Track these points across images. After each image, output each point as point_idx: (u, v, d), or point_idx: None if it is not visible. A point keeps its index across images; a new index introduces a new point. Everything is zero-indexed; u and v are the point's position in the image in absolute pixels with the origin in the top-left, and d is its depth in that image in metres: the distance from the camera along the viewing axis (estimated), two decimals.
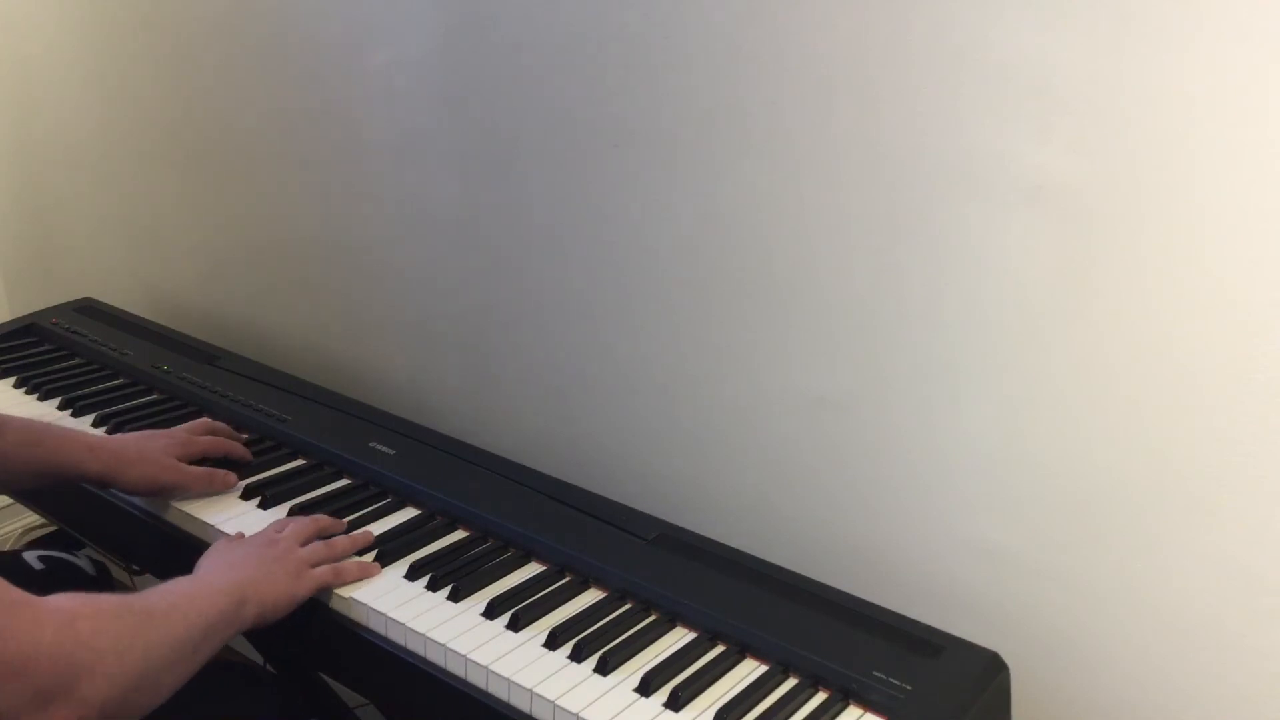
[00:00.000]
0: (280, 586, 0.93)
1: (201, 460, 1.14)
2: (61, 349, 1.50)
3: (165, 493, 1.10)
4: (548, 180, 1.23)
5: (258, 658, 1.26)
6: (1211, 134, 0.82)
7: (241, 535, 1.03)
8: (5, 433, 1.05)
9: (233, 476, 1.13)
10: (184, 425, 1.19)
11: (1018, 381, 0.96)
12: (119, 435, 1.16)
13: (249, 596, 0.90)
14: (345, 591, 0.97)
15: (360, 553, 1.03)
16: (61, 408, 1.32)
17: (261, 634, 1.29)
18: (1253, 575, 0.88)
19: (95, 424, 1.28)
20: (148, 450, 1.10)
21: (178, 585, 0.87)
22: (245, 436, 1.26)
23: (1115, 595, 0.95)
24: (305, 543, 1.00)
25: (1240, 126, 0.80)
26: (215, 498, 1.13)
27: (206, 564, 0.94)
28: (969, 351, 0.98)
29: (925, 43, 0.93)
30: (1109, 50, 0.84)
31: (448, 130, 1.30)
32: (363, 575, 0.99)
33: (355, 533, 1.06)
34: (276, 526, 1.03)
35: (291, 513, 1.10)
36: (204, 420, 1.21)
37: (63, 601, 0.74)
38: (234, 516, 1.09)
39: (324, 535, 1.03)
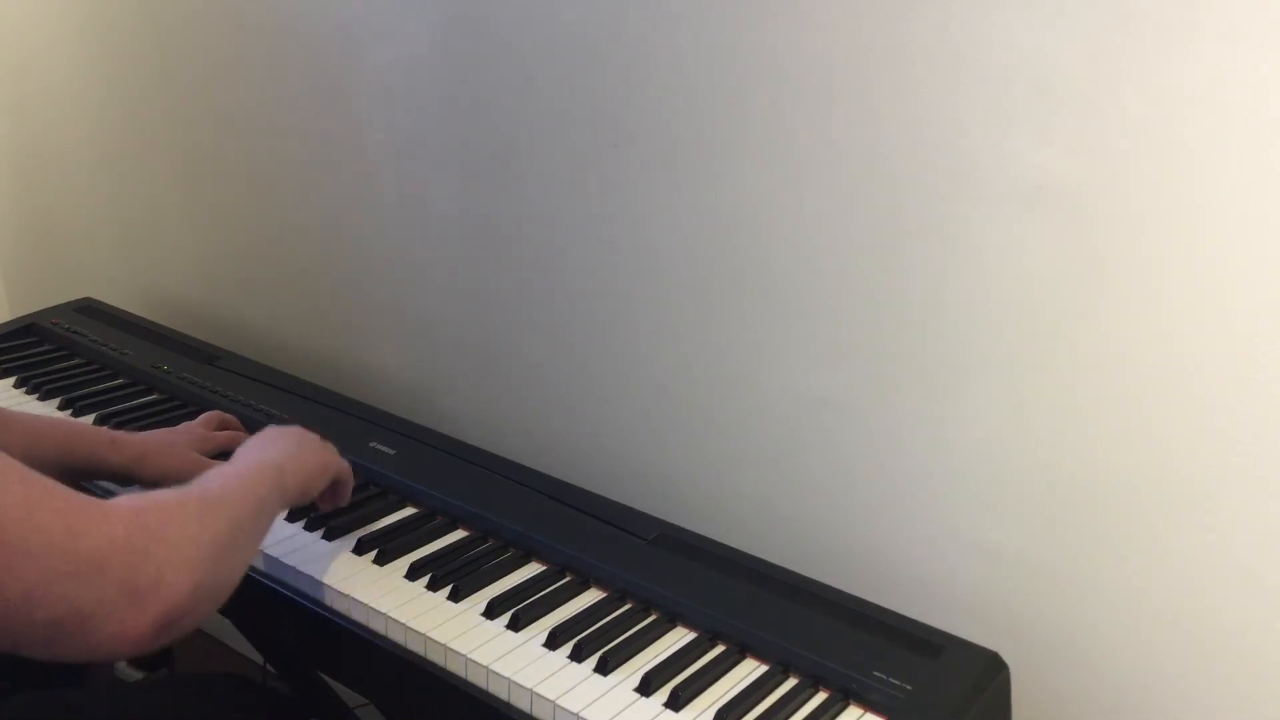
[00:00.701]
0: (315, 458, 0.98)
1: (220, 456, 1.14)
2: (61, 349, 1.50)
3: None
4: (548, 180, 1.23)
5: (258, 658, 1.26)
6: (1211, 134, 0.82)
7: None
8: (10, 429, 1.04)
9: None
10: (198, 420, 1.19)
11: (1018, 381, 0.96)
12: (142, 432, 1.15)
13: (288, 468, 0.92)
14: (345, 590, 0.97)
15: (361, 551, 1.03)
16: (61, 408, 1.32)
17: (262, 634, 1.29)
18: (1253, 575, 0.88)
19: (96, 424, 1.27)
20: (173, 444, 1.11)
21: (221, 471, 0.88)
22: (245, 437, 1.26)
23: (1115, 595, 0.95)
24: None
25: (1239, 126, 0.80)
26: None
27: (241, 451, 0.96)
28: (969, 351, 0.98)
29: (925, 43, 0.93)
30: (1109, 50, 0.84)
31: (448, 130, 1.30)
32: (347, 498, 1.06)
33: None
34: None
35: (291, 512, 1.10)
36: (216, 413, 1.21)
37: (124, 500, 0.74)
38: None
39: None
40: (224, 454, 1.14)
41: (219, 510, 0.79)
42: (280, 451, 0.95)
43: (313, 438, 1.02)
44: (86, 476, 1.09)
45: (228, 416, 1.22)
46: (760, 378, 1.12)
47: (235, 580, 0.80)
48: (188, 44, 1.58)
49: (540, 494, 1.12)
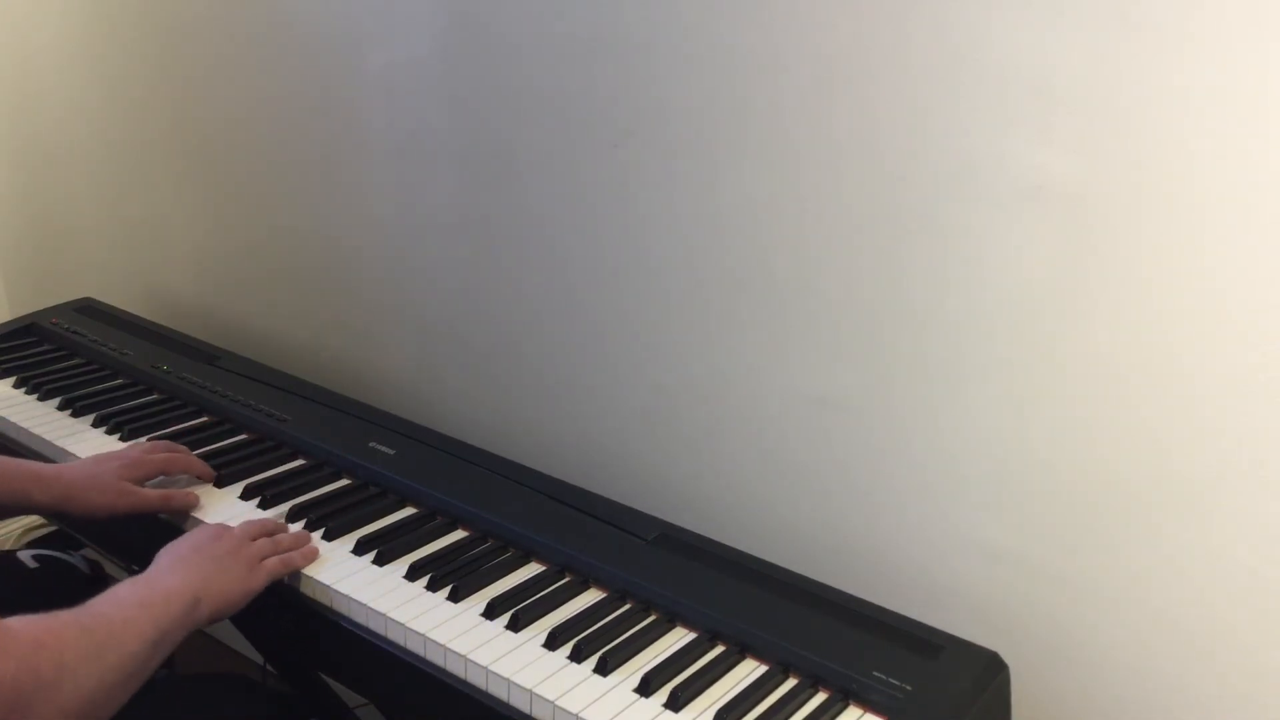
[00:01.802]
0: (234, 581, 0.94)
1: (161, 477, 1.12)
2: (61, 349, 1.50)
3: (120, 517, 1.07)
4: (548, 180, 1.23)
5: (258, 658, 1.26)
6: (1211, 134, 0.82)
7: (190, 533, 1.01)
8: None
9: (194, 495, 1.10)
10: (139, 444, 1.16)
11: (1018, 381, 0.96)
12: (68, 464, 1.12)
13: (202, 595, 0.90)
14: (345, 590, 0.97)
15: (361, 551, 1.03)
16: (61, 408, 1.32)
17: (262, 635, 1.29)
18: (1253, 575, 0.88)
19: (95, 424, 1.28)
20: (98, 477, 1.07)
21: (134, 592, 0.87)
22: (244, 437, 1.26)
23: (1116, 595, 0.95)
24: (256, 537, 1.00)
25: (1240, 126, 0.80)
26: (215, 498, 1.13)
27: (161, 563, 0.94)
28: (969, 351, 0.98)
29: (925, 43, 0.93)
30: (1109, 50, 0.84)
31: (448, 130, 1.30)
32: (307, 560, 1.01)
33: (295, 528, 1.07)
34: (219, 528, 1.01)
35: (292, 512, 1.10)
36: (163, 443, 1.17)
37: (28, 628, 0.75)
38: (234, 517, 1.09)
39: (268, 533, 1.03)
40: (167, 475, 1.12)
41: (116, 647, 0.80)
42: (200, 576, 0.91)
43: (239, 554, 0.96)
44: (14, 513, 1.07)
45: (176, 445, 1.17)
46: (760, 378, 1.12)
47: (115, 709, 0.81)
48: (188, 44, 1.58)
49: (540, 494, 1.12)
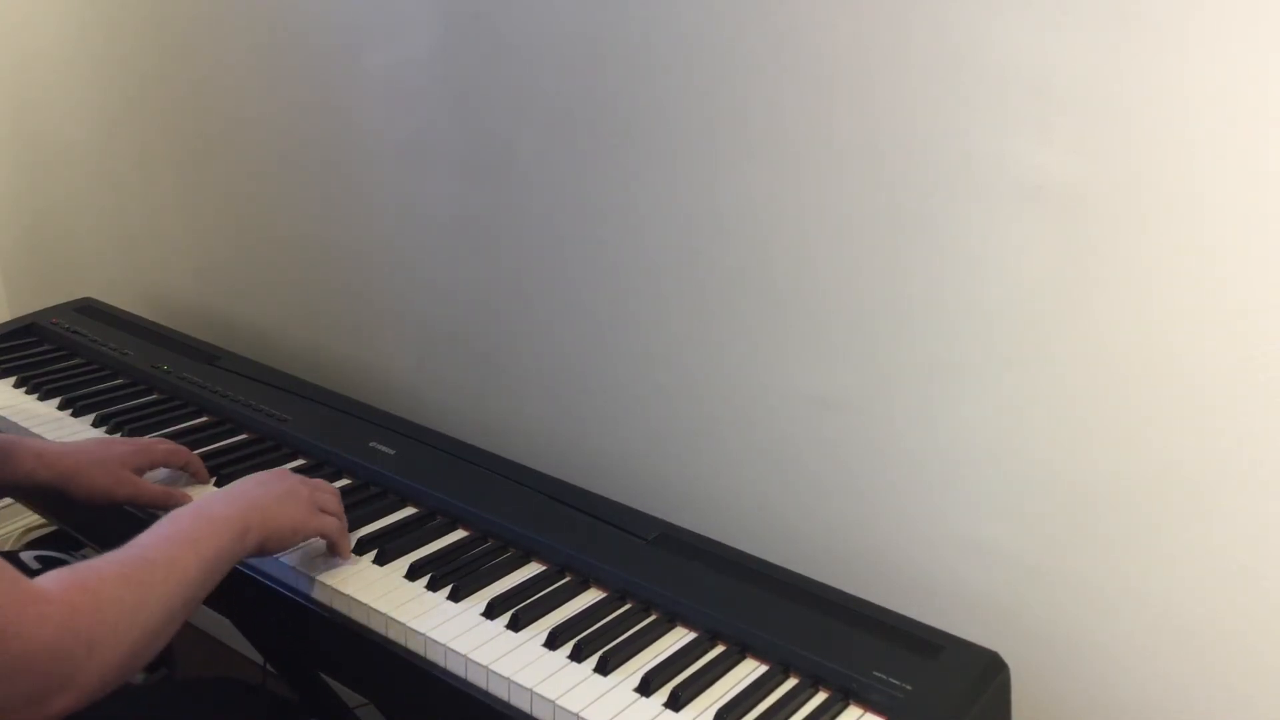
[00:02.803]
0: (289, 516, 0.92)
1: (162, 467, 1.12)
2: (61, 349, 1.50)
3: (118, 504, 1.06)
4: (548, 180, 1.23)
5: (258, 658, 1.26)
6: (1211, 133, 0.82)
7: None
8: None
9: (190, 498, 1.09)
10: (149, 438, 1.15)
11: (1018, 381, 0.96)
12: (74, 441, 1.11)
13: (253, 523, 0.88)
14: (345, 590, 0.97)
15: (361, 551, 1.03)
16: (61, 408, 1.32)
17: (262, 635, 1.29)
18: (1253, 575, 0.88)
19: (95, 424, 1.28)
20: (103, 459, 1.05)
21: (179, 524, 0.85)
22: (244, 437, 1.26)
23: (1115, 595, 0.95)
24: (325, 496, 0.99)
25: (1240, 126, 0.80)
26: None
27: (217, 492, 0.92)
28: (969, 351, 0.98)
29: (925, 43, 0.93)
30: (1109, 50, 0.84)
31: (448, 130, 1.30)
32: (347, 552, 1.00)
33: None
34: (285, 471, 1.00)
35: None
36: (171, 444, 1.15)
37: (63, 589, 0.73)
38: None
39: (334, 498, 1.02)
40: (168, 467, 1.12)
41: (159, 589, 0.78)
42: (249, 504, 0.90)
43: (299, 493, 0.95)
44: (16, 492, 1.06)
45: (181, 447, 1.15)
46: (760, 377, 1.12)
47: (160, 647, 0.79)
48: (188, 45, 1.58)
49: (540, 494, 1.12)
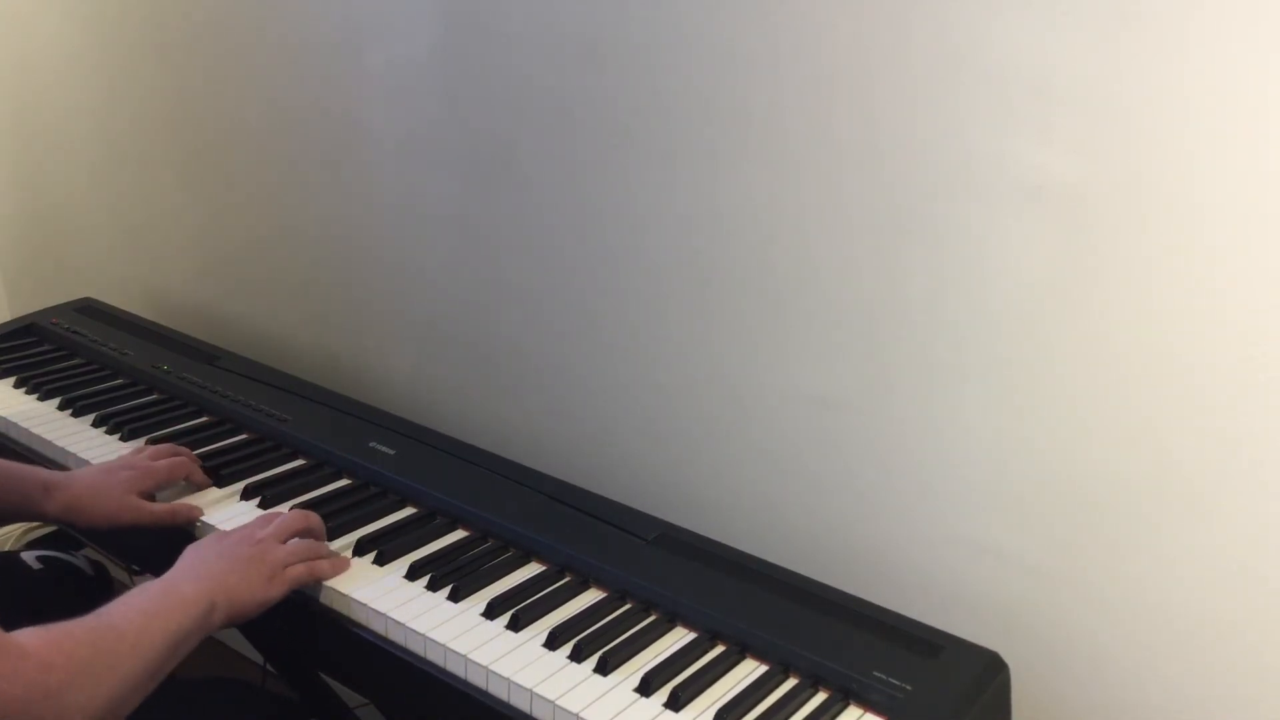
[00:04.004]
0: (252, 589, 0.93)
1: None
2: (61, 349, 1.50)
3: (124, 529, 1.06)
4: (547, 180, 1.23)
5: (258, 658, 1.26)
6: (1211, 134, 0.82)
7: (223, 532, 1.00)
8: None
9: (197, 510, 1.09)
10: (144, 450, 1.15)
11: (1018, 381, 0.96)
12: (79, 471, 1.12)
13: (219, 601, 0.90)
14: (345, 590, 0.97)
15: (361, 551, 1.03)
16: (61, 408, 1.32)
17: (262, 634, 1.29)
18: (1253, 575, 0.88)
19: (95, 424, 1.28)
20: (106, 489, 1.06)
21: (148, 598, 0.87)
22: (244, 437, 1.26)
23: (1115, 595, 0.95)
24: (288, 538, 0.99)
25: (1239, 126, 0.80)
26: (216, 498, 1.13)
27: (183, 564, 0.93)
28: (969, 351, 0.98)
29: (925, 43, 0.93)
30: (1109, 50, 0.84)
31: (448, 130, 1.30)
32: (336, 571, 0.99)
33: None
34: (261, 522, 1.00)
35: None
36: (167, 446, 1.16)
37: (39, 646, 0.75)
38: (234, 516, 1.09)
39: (311, 533, 1.02)
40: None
41: (128, 658, 0.80)
42: (215, 583, 0.91)
43: (262, 567, 0.94)
44: (18, 519, 1.07)
45: (180, 448, 1.16)
46: (760, 378, 1.12)
47: (127, 711, 0.82)
48: (188, 45, 1.58)
49: (540, 494, 1.12)
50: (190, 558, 0.94)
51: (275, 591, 0.94)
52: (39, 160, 1.93)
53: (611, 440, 1.27)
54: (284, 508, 1.10)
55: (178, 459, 1.13)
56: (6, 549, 1.97)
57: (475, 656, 0.89)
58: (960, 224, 0.95)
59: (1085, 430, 0.93)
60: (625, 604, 0.97)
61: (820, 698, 0.87)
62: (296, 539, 1.00)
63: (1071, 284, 0.91)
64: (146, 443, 1.21)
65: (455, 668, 0.90)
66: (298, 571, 0.96)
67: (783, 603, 0.96)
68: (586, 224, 1.21)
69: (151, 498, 1.09)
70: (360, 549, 1.04)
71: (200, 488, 1.14)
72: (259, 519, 1.02)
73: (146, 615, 0.84)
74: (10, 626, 0.75)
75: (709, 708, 0.85)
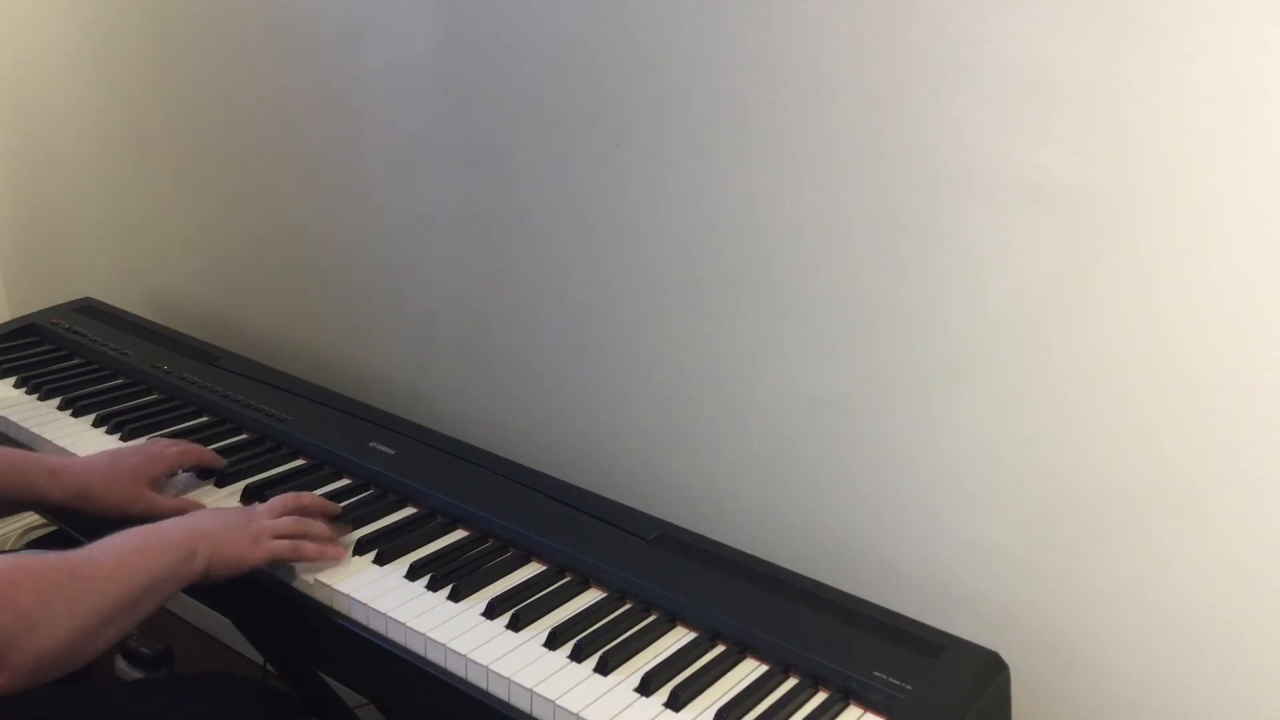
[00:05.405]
0: (238, 547, 0.94)
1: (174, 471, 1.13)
2: (61, 349, 1.50)
3: (132, 520, 1.03)
4: (547, 180, 1.23)
5: (258, 658, 1.26)
6: (1211, 134, 0.82)
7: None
8: None
9: (202, 506, 1.08)
10: (158, 441, 1.15)
11: (1018, 381, 0.96)
12: (88, 457, 1.10)
13: (199, 549, 0.90)
14: (345, 589, 0.97)
15: (361, 551, 1.03)
16: (61, 408, 1.32)
17: (262, 635, 1.29)
18: (1253, 575, 0.88)
19: (95, 424, 1.28)
20: (116, 475, 1.06)
21: (129, 538, 0.88)
22: (244, 437, 1.26)
23: (1115, 595, 0.95)
24: (280, 515, 1.00)
25: (1239, 126, 0.80)
26: (215, 499, 1.13)
27: (163, 523, 0.94)
28: (969, 352, 0.98)
29: (925, 43, 0.93)
30: (1109, 50, 0.84)
31: (448, 130, 1.30)
32: (322, 557, 0.99)
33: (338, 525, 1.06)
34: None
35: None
36: (179, 445, 1.15)
37: (8, 568, 0.77)
38: None
39: (306, 512, 1.02)
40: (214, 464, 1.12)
41: (101, 591, 0.81)
42: (199, 532, 0.92)
43: (248, 529, 0.96)
44: (26, 508, 1.07)
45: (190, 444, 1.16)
46: (759, 378, 1.12)
47: (99, 650, 0.82)
48: (188, 45, 1.58)
49: (540, 494, 1.12)
50: (174, 519, 0.96)
51: (257, 555, 0.95)
52: (39, 160, 1.93)
53: (611, 440, 1.27)
54: None
55: (186, 448, 1.14)
56: (6, 549, 1.97)
57: (475, 656, 0.89)
58: (960, 224, 0.95)
59: (1085, 430, 0.93)
60: (625, 604, 0.97)
61: (820, 698, 0.87)
62: (290, 517, 1.00)
63: (1071, 284, 0.91)
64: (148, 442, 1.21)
65: (455, 667, 0.90)
66: (281, 546, 0.97)
67: (783, 603, 0.96)
68: (586, 224, 1.21)
69: (160, 491, 1.09)
70: (360, 548, 1.04)
71: (216, 468, 1.15)
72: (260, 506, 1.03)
73: (125, 551, 0.86)
74: None
75: (709, 707, 0.85)
